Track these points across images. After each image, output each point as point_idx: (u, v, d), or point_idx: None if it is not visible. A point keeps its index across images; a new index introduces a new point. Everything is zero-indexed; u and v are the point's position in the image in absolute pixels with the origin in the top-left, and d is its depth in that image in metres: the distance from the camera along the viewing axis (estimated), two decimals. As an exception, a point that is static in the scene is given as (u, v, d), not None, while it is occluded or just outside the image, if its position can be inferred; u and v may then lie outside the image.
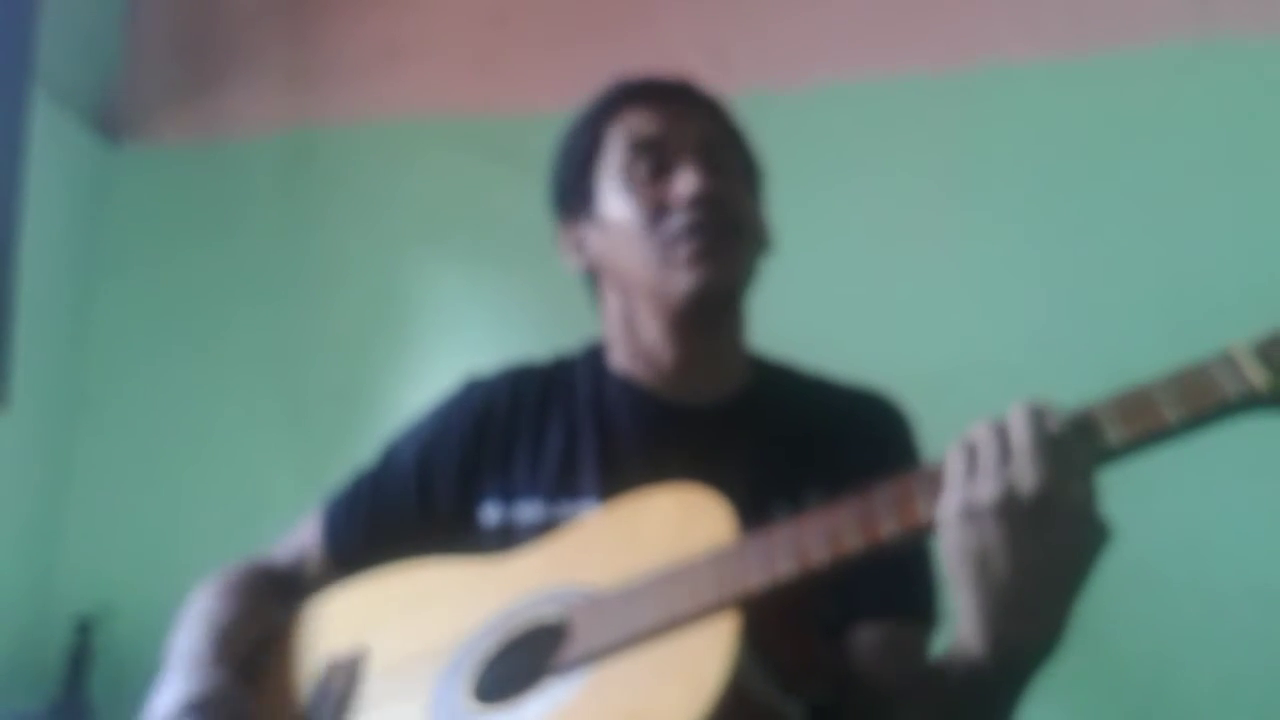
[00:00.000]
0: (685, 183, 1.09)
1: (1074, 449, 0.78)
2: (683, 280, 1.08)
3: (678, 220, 1.09)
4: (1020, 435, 0.78)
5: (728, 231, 1.10)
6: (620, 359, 1.18)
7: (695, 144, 1.13)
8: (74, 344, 2.53)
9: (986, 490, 0.77)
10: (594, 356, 1.21)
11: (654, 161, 1.13)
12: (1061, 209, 2.12)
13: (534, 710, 0.87)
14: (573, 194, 1.20)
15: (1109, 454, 0.78)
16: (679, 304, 1.09)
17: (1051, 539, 0.77)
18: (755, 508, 0.90)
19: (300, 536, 1.23)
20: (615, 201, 1.14)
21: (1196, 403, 0.75)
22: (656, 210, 1.10)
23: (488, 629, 0.97)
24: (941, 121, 2.24)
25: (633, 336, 1.16)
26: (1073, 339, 2.00)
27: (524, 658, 0.93)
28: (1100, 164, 2.13)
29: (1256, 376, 0.74)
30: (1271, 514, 1.87)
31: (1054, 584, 0.79)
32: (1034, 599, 0.79)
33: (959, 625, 0.84)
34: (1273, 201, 2.02)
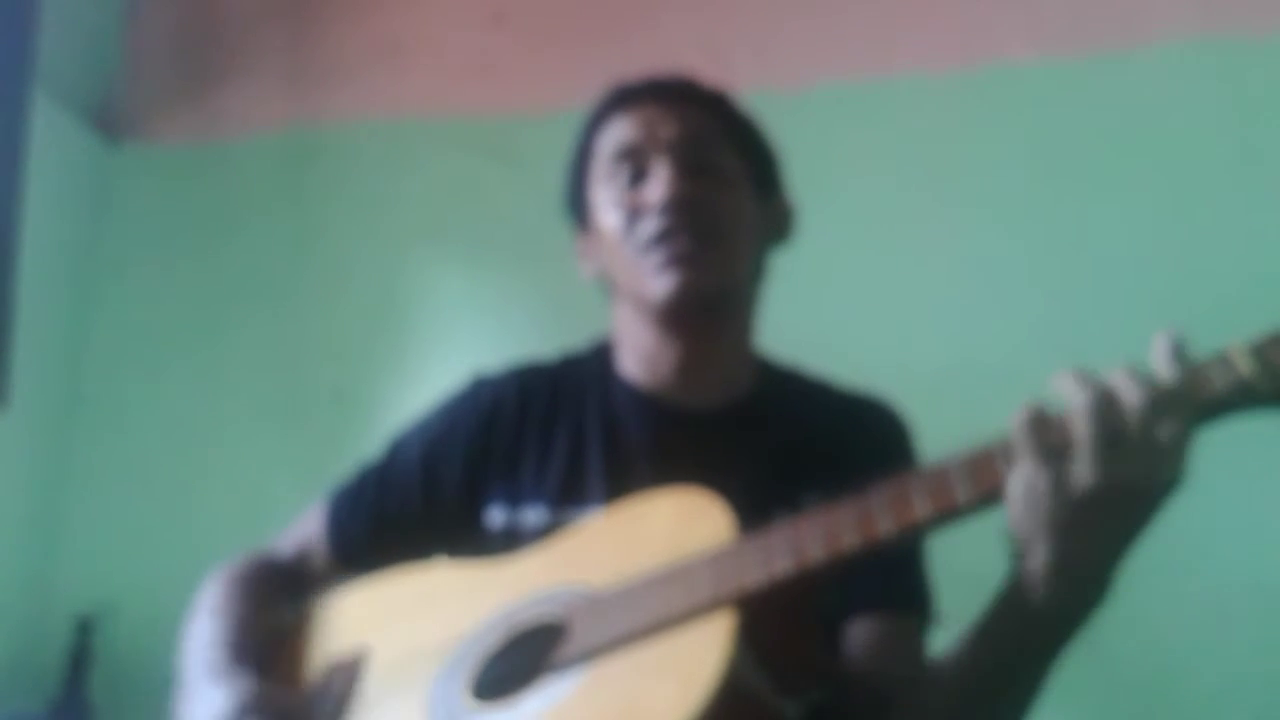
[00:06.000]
0: (654, 187, 1.10)
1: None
2: (657, 285, 1.08)
3: (649, 225, 1.09)
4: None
5: (704, 234, 1.09)
6: (626, 363, 1.18)
7: (670, 145, 1.12)
8: (74, 344, 2.52)
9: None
10: (601, 356, 1.21)
11: (633, 168, 1.13)
12: (1061, 209, 2.12)
13: (530, 707, 0.87)
14: (574, 206, 1.21)
15: None
16: (658, 308, 1.09)
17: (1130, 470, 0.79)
18: (757, 512, 0.90)
19: (304, 529, 1.22)
20: (602, 211, 1.15)
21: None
22: (632, 216, 1.11)
23: (487, 628, 0.98)
24: (942, 121, 2.24)
25: (634, 341, 1.16)
26: (1072, 340, 1.99)
27: (522, 656, 0.93)
28: (1100, 164, 2.13)
29: (1250, 375, 0.75)
30: (1271, 514, 1.87)
31: (1121, 523, 0.81)
32: (1103, 538, 0.81)
33: (1012, 580, 0.84)
34: (1273, 202, 2.01)
